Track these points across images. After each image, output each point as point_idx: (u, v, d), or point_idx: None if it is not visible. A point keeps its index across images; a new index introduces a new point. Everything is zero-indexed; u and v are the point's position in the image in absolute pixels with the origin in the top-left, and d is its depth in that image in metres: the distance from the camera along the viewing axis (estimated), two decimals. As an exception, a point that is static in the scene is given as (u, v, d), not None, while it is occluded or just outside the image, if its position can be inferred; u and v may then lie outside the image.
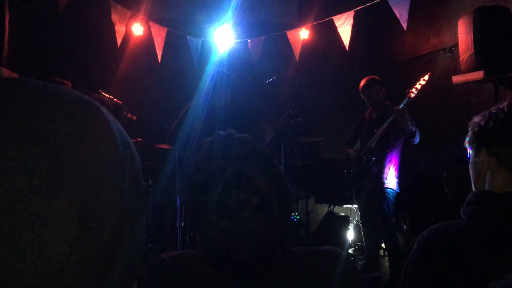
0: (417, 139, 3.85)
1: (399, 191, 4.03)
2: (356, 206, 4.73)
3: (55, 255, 0.36)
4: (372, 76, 4.08)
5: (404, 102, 3.78)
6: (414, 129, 3.78)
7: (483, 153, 1.23)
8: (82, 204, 0.38)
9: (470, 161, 1.29)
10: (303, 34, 4.71)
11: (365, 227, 4.24)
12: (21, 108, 0.39)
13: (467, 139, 1.28)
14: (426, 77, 3.77)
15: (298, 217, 4.92)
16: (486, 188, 1.23)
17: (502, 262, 1.10)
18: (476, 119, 1.25)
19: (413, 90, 3.77)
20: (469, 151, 1.29)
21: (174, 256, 1.07)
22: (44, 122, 0.39)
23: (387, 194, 3.95)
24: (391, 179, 3.98)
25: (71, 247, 0.37)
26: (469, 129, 1.27)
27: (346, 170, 4.32)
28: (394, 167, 4.02)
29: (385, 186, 3.96)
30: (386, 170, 3.97)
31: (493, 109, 1.23)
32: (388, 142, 3.96)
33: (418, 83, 3.78)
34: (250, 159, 0.95)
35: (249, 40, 5.15)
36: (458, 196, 3.14)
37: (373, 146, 3.98)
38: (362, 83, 4.07)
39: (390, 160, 4.00)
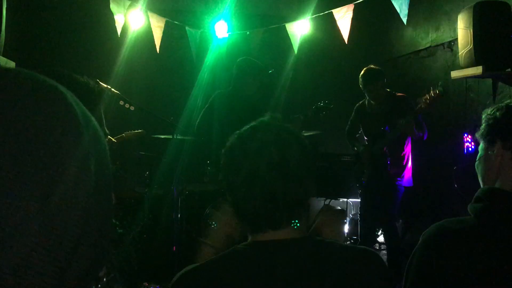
0: (425, 137, 3.80)
1: (412, 185, 3.99)
2: (352, 200, 4.72)
3: (20, 248, 0.35)
4: (372, 68, 3.93)
5: (415, 113, 3.63)
6: (421, 134, 3.74)
7: (498, 146, 1.19)
8: (46, 194, 0.37)
9: (480, 154, 1.25)
10: (302, 27, 4.68)
11: (365, 222, 4.21)
12: None
13: (479, 131, 1.24)
14: (441, 90, 3.48)
15: None
16: (497, 183, 1.20)
17: (509, 262, 1.08)
18: (490, 111, 1.22)
19: (425, 100, 3.54)
20: (473, 144, 1.27)
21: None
22: (5, 110, 0.38)
23: (398, 192, 3.90)
24: (407, 176, 3.95)
25: (36, 240, 0.36)
26: (483, 121, 1.23)
27: (358, 170, 4.15)
28: (410, 163, 3.98)
29: (398, 183, 3.90)
30: (403, 169, 3.92)
31: (510, 101, 1.20)
32: (401, 143, 3.92)
33: (431, 92, 3.51)
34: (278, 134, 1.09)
35: (248, 32, 5.12)
36: (467, 191, 3.14)
37: (386, 149, 3.90)
38: (363, 77, 3.90)
39: (405, 157, 3.95)
